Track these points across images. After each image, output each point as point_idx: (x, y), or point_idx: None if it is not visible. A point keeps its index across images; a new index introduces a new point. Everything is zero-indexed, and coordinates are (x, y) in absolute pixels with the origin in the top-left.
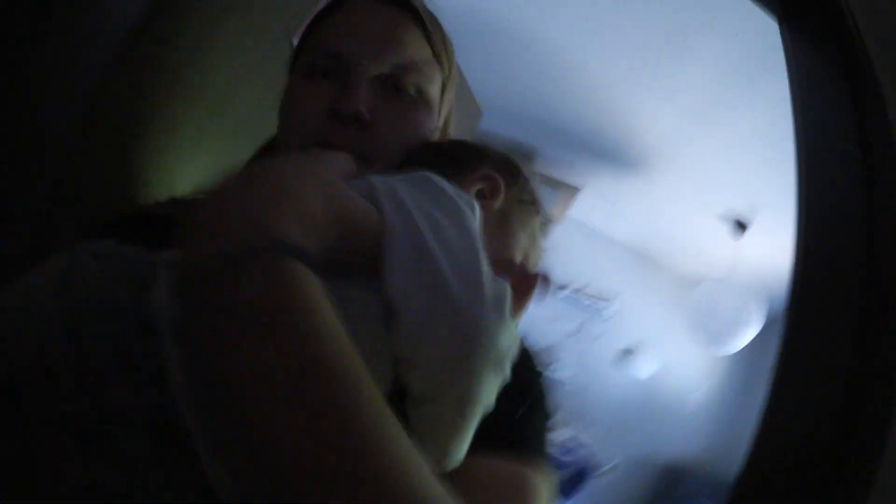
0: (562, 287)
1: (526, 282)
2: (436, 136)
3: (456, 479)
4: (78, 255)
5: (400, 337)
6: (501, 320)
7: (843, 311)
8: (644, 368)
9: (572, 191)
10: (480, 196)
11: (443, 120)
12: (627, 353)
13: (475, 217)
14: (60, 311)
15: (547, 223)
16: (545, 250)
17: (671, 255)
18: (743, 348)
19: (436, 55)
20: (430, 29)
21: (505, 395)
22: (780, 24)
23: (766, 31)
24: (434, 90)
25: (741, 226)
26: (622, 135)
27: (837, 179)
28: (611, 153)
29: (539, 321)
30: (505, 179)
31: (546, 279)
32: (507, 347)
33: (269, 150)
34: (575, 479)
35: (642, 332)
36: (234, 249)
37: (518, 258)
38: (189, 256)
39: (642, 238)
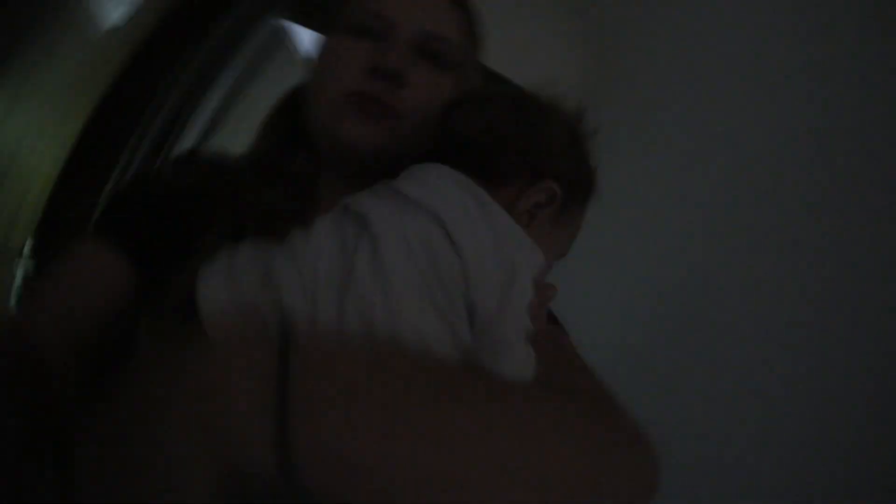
0: None
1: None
2: None
3: None
4: None
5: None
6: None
7: None
8: None
9: None
10: (536, 208)
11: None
12: None
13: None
14: None
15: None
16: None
17: None
18: None
19: (470, 33)
20: (467, 7)
21: None
22: None
23: None
24: (462, 66)
25: None
26: None
27: None
28: None
29: None
30: (570, 192)
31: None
32: None
33: (292, 100)
34: None
35: None
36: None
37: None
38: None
39: None
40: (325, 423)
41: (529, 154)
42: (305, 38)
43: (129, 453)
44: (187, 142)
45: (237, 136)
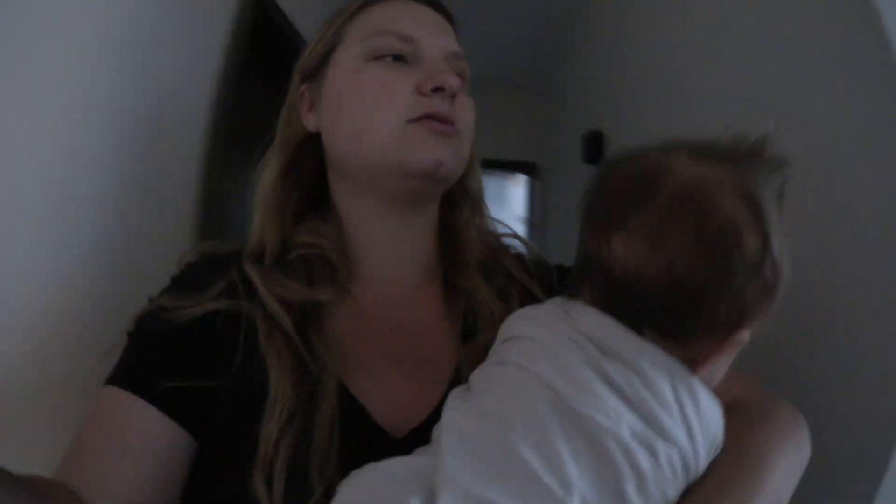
0: None
1: None
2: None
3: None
4: None
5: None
6: None
7: None
8: None
9: None
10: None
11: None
12: None
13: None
14: None
15: None
16: None
17: None
18: None
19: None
20: (457, 31)
21: None
22: None
23: None
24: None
25: None
26: None
27: None
28: None
29: None
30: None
31: None
32: None
33: (295, 156)
34: None
35: None
36: None
37: None
38: None
39: None
40: None
41: (722, 312)
42: None
43: None
44: None
45: None
